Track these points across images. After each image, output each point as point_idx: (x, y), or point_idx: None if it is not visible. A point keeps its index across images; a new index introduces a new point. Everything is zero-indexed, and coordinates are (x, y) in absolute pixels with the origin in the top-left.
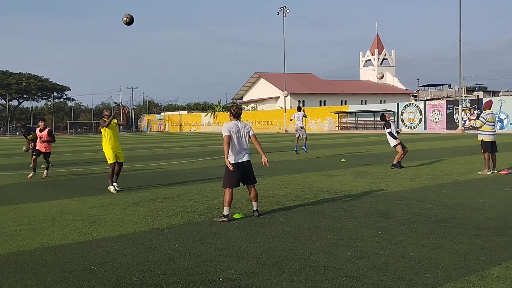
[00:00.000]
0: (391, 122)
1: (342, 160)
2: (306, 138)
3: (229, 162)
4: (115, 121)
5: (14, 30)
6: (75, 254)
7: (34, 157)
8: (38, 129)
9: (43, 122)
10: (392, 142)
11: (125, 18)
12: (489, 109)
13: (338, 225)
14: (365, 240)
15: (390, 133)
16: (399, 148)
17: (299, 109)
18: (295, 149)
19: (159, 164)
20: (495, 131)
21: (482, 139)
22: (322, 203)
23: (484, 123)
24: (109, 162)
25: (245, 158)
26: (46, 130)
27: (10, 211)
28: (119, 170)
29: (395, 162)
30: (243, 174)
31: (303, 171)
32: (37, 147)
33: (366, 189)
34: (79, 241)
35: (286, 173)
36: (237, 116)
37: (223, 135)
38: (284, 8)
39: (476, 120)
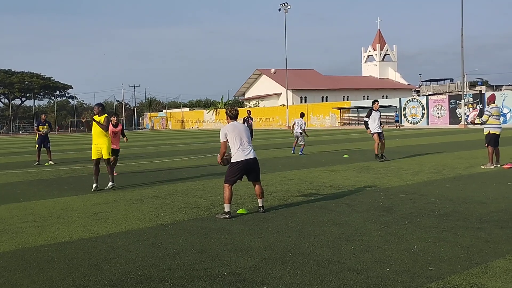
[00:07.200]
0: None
1: (345, 155)
2: (304, 144)
3: (229, 160)
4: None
5: (16, 29)
6: (80, 250)
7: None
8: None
9: (115, 118)
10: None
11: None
12: (493, 102)
13: (341, 219)
14: (369, 234)
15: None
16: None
17: (302, 115)
18: (293, 150)
19: (162, 161)
20: (501, 124)
21: (489, 132)
22: (325, 198)
23: (490, 116)
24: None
25: (251, 155)
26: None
27: (15, 208)
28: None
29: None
30: (249, 171)
31: (306, 167)
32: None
33: (369, 184)
34: (84, 237)
35: (289, 168)
36: (234, 117)
37: (220, 141)
38: (285, 4)
39: (482, 116)
